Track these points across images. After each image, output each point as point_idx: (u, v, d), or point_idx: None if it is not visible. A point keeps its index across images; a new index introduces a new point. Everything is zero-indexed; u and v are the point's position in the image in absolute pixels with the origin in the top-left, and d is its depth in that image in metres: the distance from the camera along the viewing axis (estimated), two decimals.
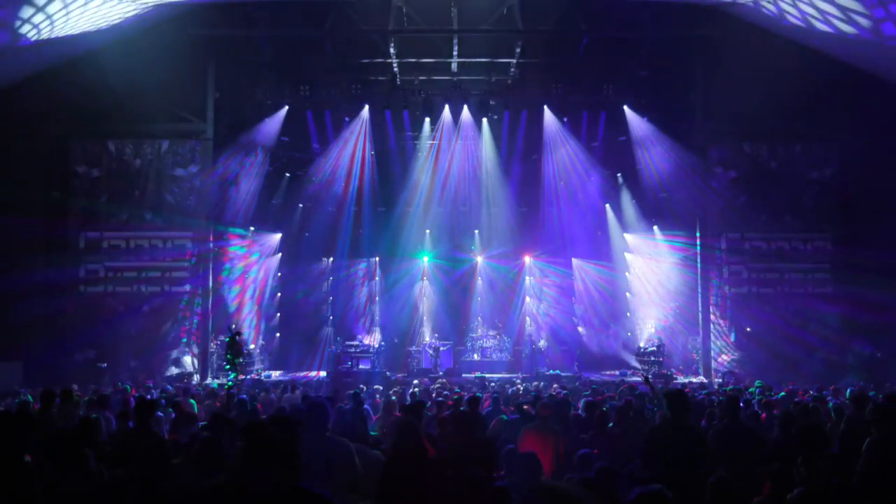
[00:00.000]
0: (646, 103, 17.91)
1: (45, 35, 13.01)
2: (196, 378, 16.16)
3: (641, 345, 18.41)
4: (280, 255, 19.53)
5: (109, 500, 3.23)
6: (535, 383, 14.06)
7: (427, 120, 18.77)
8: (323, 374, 17.43)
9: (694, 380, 16.65)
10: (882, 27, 12.40)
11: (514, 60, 17.32)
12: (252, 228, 18.41)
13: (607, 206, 19.98)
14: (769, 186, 17.72)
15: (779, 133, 17.79)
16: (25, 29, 12.54)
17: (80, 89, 15.34)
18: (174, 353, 16.69)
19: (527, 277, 20.68)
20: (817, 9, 12.88)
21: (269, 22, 16.23)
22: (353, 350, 17.72)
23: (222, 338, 15.47)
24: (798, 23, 13.83)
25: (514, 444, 6.08)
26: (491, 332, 19.37)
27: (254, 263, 18.71)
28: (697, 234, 17.82)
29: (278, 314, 19.69)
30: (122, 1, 13.46)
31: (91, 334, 16.48)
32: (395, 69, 17.50)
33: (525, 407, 7.42)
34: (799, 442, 5.16)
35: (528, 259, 20.67)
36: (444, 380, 14.15)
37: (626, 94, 17.90)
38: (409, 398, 10.11)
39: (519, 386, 12.99)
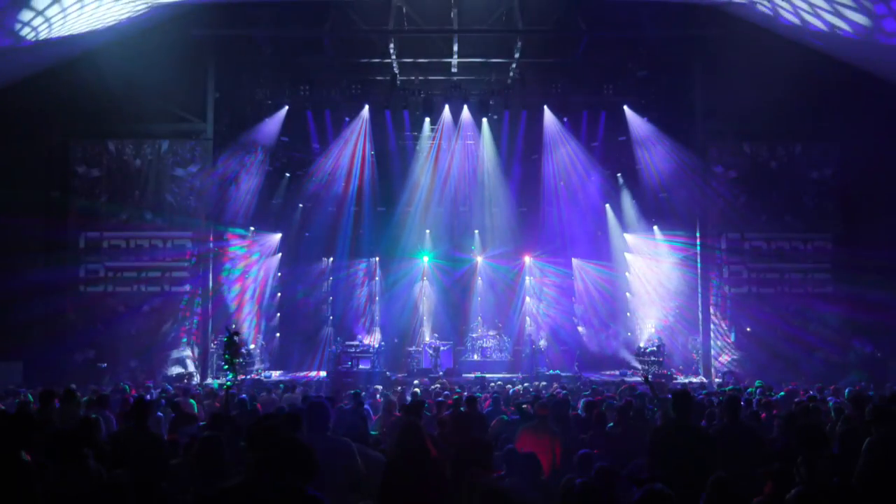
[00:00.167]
0: (646, 103, 17.90)
1: (45, 35, 13.02)
2: (196, 378, 16.15)
3: (641, 345, 18.40)
4: (280, 255, 19.52)
5: (108, 500, 3.23)
6: (536, 383, 14.07)
7: (427, 120, 18.77)
8: (323, 374, 17.42)
9: (694, 380, 16.64)
10: (882, 27, 12.39)
11: (514, 60, 17.33)
12: (252, 228, 18.40)
13: (607, 206, 19.97)
14: (769, 186, 17.72)
15: (779, 133, 17.78)
16: (26, 30, 12.54)
17: (79, 89, 15.34)
18: (174, 353, 16.69)
19: (527, 277, 20.68)
20: (817, 9, 12.88)
21: (269, 22, 16.23)
22: (353, 350, 17.72)
23: (221, 338, 15.46)
24: (798, 23, 13.83)
25: (514, 444, 6.09)
26: (491, 332, 19.36)
27: (254, 263, 18.70)
28: (697, 234, 17.81)
29: (278, 314, 19.69)
30: (123, 1, 13.46)
31: (91, 334, 16.48)
32: (395, 69, 17.50)
33: (525, 407, 7.43)
34: (799, 442, 5.15)
35: (528, 259, 20.67)
36: (444, 380, 14.15)
37: (626, 94, 17.89)
38: (409, 398, 10.11)
39: (519, 386, 12.99)
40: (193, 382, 15.28)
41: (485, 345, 19.12)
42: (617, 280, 20.01)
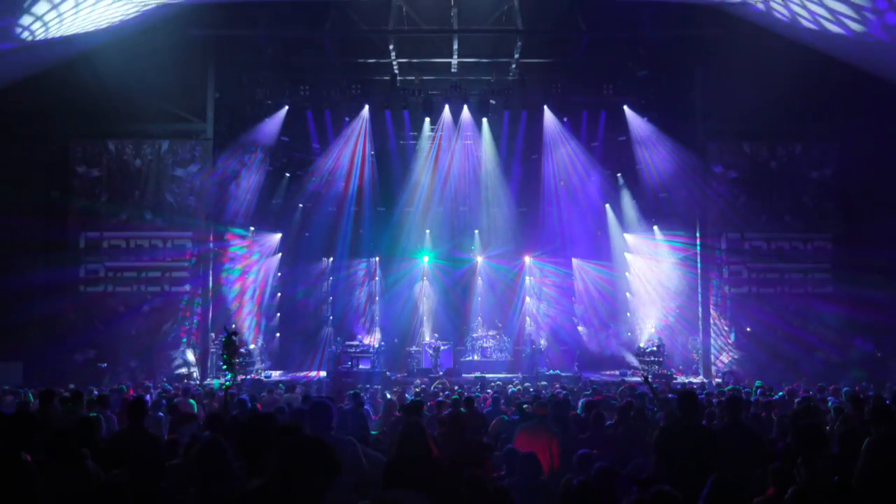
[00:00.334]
0: (646, 103, 17.91)
1: (45, 35, 13.02)
2: (196, 378, 16.15)
3: (641, 345, 18.40)
4: (280, 255, 19.53)
5: (105, 500, 3.23)
6: (536, 383, 14.07)
7: (427, 120, 18.77)
8: (323, 374, 17.43)
9: (694, 380, 16.64)
10: (882, 27, 12.39)
11: (514, 60, 17.33)
12: (252, 228, 18.41)
13: (607, 206, 19.98)
14: (769, 186, 17.72)
15: (779, 133, 17.80)
16: (27, 23, 12.53)
17: (79, 89, 15.33)
18: (174, 353, 16.69)
19: (527, 277, 20.68)
20: (818, 8, 12.87)
21: (269, 22, 16.23)
22: (353, 350, 17.73)
23: (220, 338, 15.46)
24: (798, 23, 13.83)
25: (514, 444, 6.09)
26: (491, 332, 19.37)
27: (254, 263, 18.71)
28: (697, 234, 17.82)
29: (278, 314, 19.69)
30: (123, 1, 13.46)
31: (91, 334, 16.48)
32: (395, 69, 17.50)
33: (525, 407, 7.43)
34: (799, 442, 5.15)
35: (528, 259, 20.67)
36: (444, 380, 14.16)
37: (626, 94, 17.90)
38: (409, 398, 10.11)
39: (518, 385, 12.99)
40: (193, 382, 15.28)
41: (485, 345, 19.12)
42: (617, 280, 20.02)
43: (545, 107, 18.42)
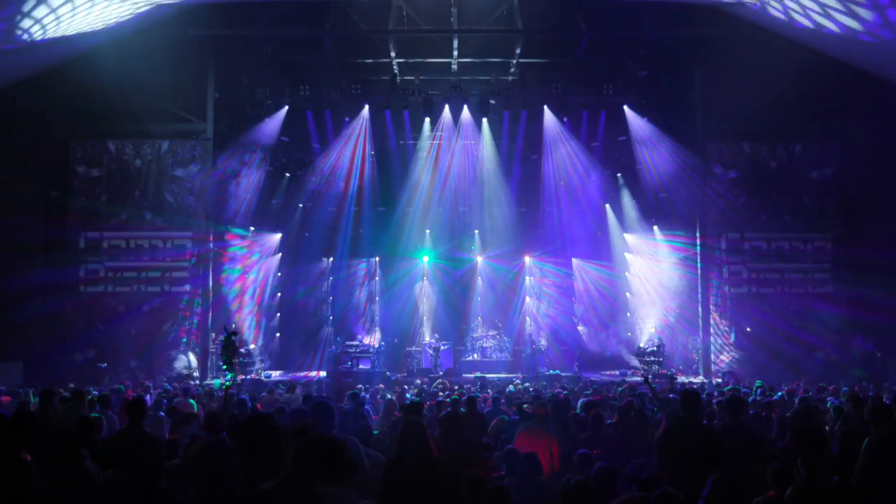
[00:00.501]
0: (646, 103, 17.90)
1: (45, 35, 13.01)
2: (196, 378, 16.15)
3: (641, 345, 18.39)
4: (280, 255, 19.52)
5: (104, 500, 3.22)
6: (536, 383, 14.07)
7: (427, 120, 18.76)
8: (323, 374, 17.43)
9: (694, 380, 16.64)
10: (881, 27, 12.39)
11: (514, 60, 17.33)
12: (252, 228, 18.41)
13: (607, 206, 19.97)
14: (769, 186, 17.73)
15: (779, 133, 17.80)
16: (27, 25, 12.53)
17: (80, 89, 15.33)
18: (174, 354, 16.69)
19: (527, 277, 20.68)
20: (817, 8, 12.87)
21: (269, 22, 16.22)
22: (353, 350, 17.73)
23: (220, 338, 15.46)
24: (798, 22, 13.83)
25: (514, 445, 6.09)
26: (491, 332, 19.37)
27: (254, 263, 18.71)
28: (697, 234, 17.82)
29: (278, 314, 19.69)
30: (123, 1, 13.46)
31: (91, 334, 16.49)
32: (395, 69, 17.49)
33: (525, 407, 7.43)
34: (799, 442, 5.16)
35: (528, 259, 20.67)
36: (443, 380, 14.15)
37: (626, 94, 17.89)
38: (408, 398, 10.11)
39: (519, 386, 12.98)
40: (193, 382, 15.28)
41: (485, 345, 19.13)
42: (617, 280, 20.02)
43: (545, 107, 18.41)
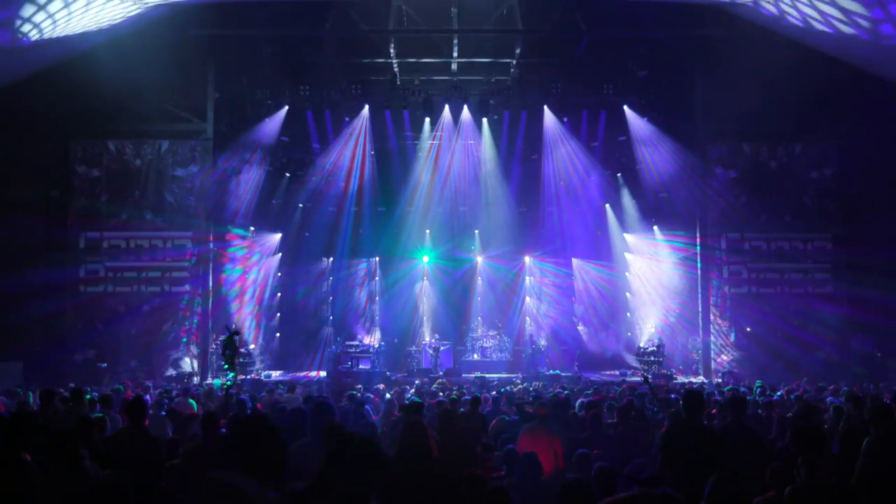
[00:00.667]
0: (646, 103, 17.89)
1: (45, 35, 13.01)
2: (196, 378, 16.15)
3: (641, 345, 18.41)
4: (280, 255, 19.52)
5: (103, 500, 3.21)
6: (536, 383, 14.07)
7: (427, 120, 18.76)
8: (323, 374, 17.43)
9: (694, 380, 16.64)
10: (881, 27, 12.39)
11: (514, 60, 17.32)
12: (252, 228, 18.41)
13: (607, 206, 19.97)
14: (769, 186, 17.73)
15: (779, 133, 17.80)
16: (26, 28, 12.53)
17: (80, 89, 15.32)
18: (174, 354, 16.69)
19: (527, 277, 20.69)
20: (817, 9, 12.87)
21: (269, 22, 16.22)
22: (353, 350, 17.73)
23: (222, 337, 15.47)
24: (798, 23, 13.83)
25: (515, 445, 6.09)
26: (491, 332, 19.37)
27: (254, 263, 18.71)
28: (697, 234, 17.82)
29: (278, 314, 19.69)
30: (123, 1, 13.46)
31: (91, 334, 16.49)
32: (395, 69, 17.50)
33: (526, 408, 7.43)
34: (799, 442, 5.16)
35: (528, 259, 20.67)
36: (443, 380, 14.15)
37: (626, 94, 17.89)
38: (407, 398, 10.10)
39: (519, 386, 12.98)
40: (193, 382, 15.28)
41: (485, 345, 19.13)
42: (617, 280, 20.02)
43: (545, 107, 18.41)
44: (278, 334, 19.62)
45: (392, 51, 16.84)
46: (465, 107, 18.39)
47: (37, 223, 16.31)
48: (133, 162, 17.09)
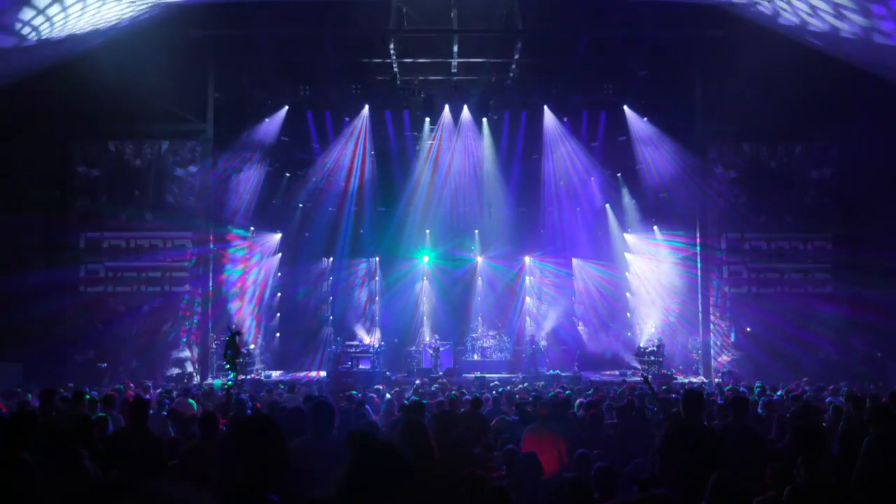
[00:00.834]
0: (646, 103, 17.92)
1: (45, 35, 13.01)
2: (196, 378, 16.16)
3: (641, 345, 18.40)
4: (280, 255, 19.52)
5: (102, 500, 3.22)
6: (536, 383, 14.07)
7: (427, 120, 18.78)
8: (323, 374, 17.43)
9: (694, 380, 16.64)
10: (881, 27, 12.39)
11: (514, 60, 17.32)
12: (252, 228, 18.41)
13: (607, 206, 19.98)
14: (769, 186, 17.74)
15: (779, 133, 17.80)
16: (26, 30, 12.53)
17: (80, 89, 15.30)
18: (174, 354, 16.69)
19: (527, 277, 20.69)
20: (817, 9, 12.87)
21: (269, 22, 16.22)
22: (353, 350, 17.73)
23: (223, 337, 15.48)
24: (798, 23, 13.83)
25: (515, 445, 6.09)
26: (491, 332, 19.37)
27: (254, 264, 18.71)
28: (697, 234, 17.82)
29: (278, 314, 19.69)
30: (123, 1, 13.46)
31: (91, 334, 16.49)
32: (395, 69, 17.50)
33: (526, 408, 7.43)
34: (798, 442, 5.16)
35: (528, 259, 20.67)
36: (443, 380, 14.16)
37: (626, 94, 17.91)
38: (407, 398, 10.10)
39: (519, 386, 12.98)
40: (193, 382, 15.28)
41: (485, 345, 19.12)
42: (617, 280, 20.02)
43: (545, 107, 18.43)
44: (278, 334, 19.62)
45: (392, 51, 16.84)
46: (465, 107, 18.40)
47: (37, 223, 16.31)
48: (133, 162, 17.09)
